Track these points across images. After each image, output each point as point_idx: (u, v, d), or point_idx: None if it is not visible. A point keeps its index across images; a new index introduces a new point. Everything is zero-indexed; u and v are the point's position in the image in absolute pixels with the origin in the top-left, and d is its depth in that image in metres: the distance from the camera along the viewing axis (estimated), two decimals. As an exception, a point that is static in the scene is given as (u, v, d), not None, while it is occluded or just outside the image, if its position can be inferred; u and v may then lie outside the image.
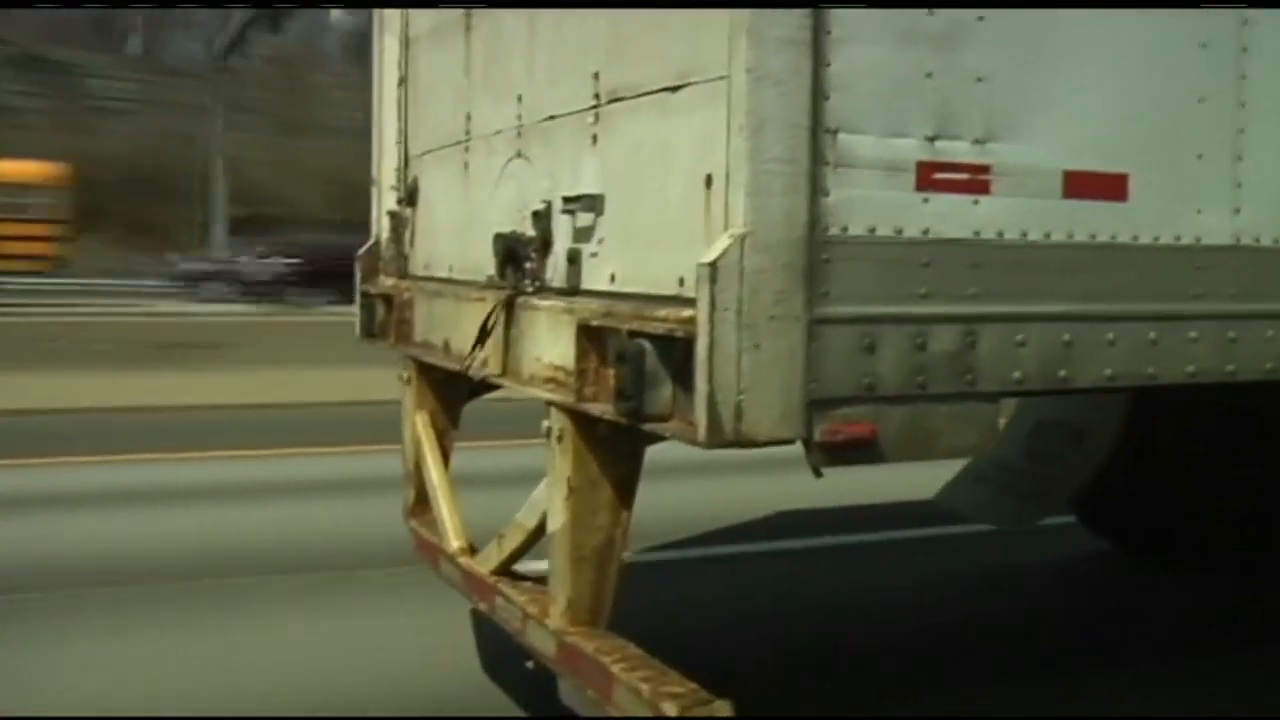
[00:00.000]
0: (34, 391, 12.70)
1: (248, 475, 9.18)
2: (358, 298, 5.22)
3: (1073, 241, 2.95)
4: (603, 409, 3.13)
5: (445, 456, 4.55)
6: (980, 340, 2.87)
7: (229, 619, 5.75)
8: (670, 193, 3.10)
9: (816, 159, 2.69)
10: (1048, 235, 2.92)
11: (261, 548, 6.97)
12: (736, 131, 2.65)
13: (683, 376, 2.82)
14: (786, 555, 7.01)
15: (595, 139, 3.46)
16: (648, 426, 2.89)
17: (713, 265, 2.62)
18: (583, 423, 3.30)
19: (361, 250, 5.24)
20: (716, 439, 2.64)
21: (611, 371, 3.14)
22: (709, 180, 2.90)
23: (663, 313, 2.90)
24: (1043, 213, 2.91)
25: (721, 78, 2.81)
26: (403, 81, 5.17)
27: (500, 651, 4.79)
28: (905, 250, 2.79)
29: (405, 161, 5.17)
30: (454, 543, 4.20)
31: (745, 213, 2.64)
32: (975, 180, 2.84)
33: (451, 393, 4.65)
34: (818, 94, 2.68)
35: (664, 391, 2.86)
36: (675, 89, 3.07)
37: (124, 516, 7.76)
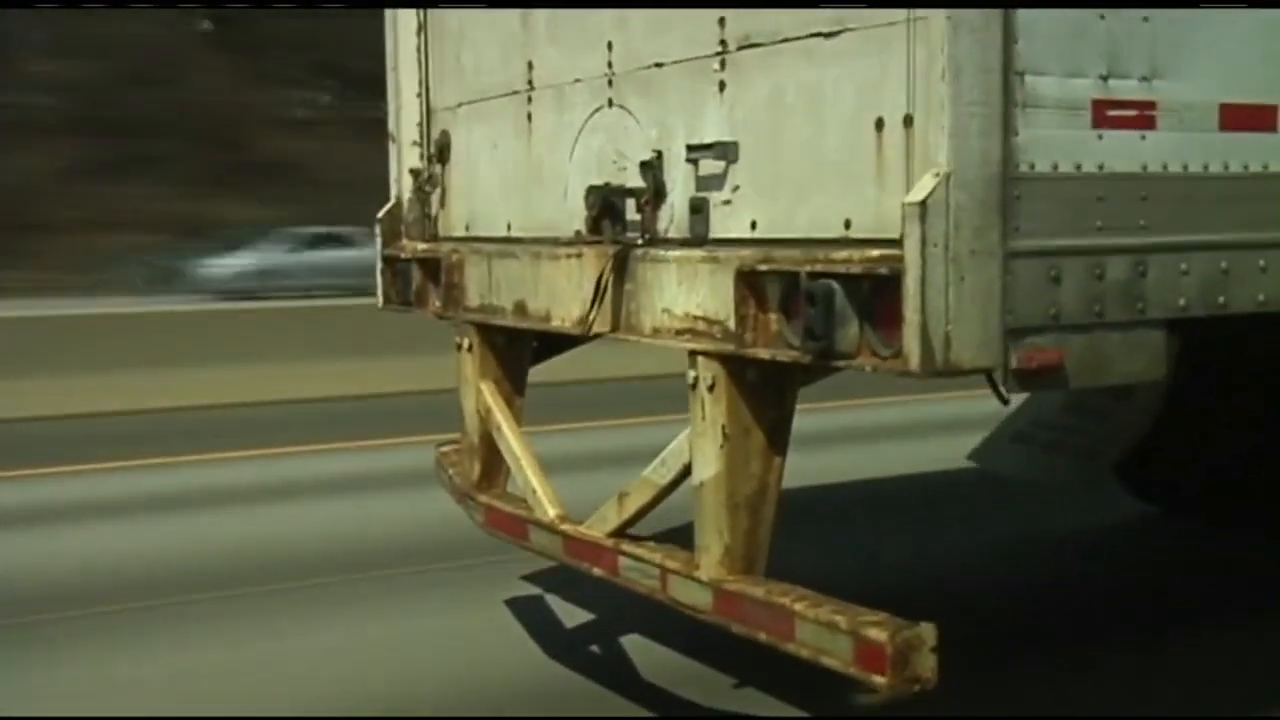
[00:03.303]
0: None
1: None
2: (379, 263, 5.78)
3: (1229, 173, 3.70)
4: (772, 352, 3.79)
5: (518, 424, 5.15)
6: (1149, 270, 3.60)
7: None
8: (825, 138, 3.77)
9: (1008, 100, 3.38)
10: (1206, 167, 3.67)
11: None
12: (935, 76, 3.33)
13: (870, 313, 3.50)
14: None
15: (723, 86, 4.11)
16: (839, 363, 3.57)
17: (922, 204, 3.28)
18: (734, 370, 3.96)
19: (381, 212, 5.80)
20: (929, 368, 3.31)
21: (774, 316, 3.81)
22: (879, 124, 3.58)
23: (844, 254, 3.57)
24: (1202, 146, 3.65)
25: (894, 23, 3.49)
26: (421, 28, 5.74)
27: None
28: (1083, 185, 3.50)
29: (428, 115, 5.75)
30: (550, 510, 4.80)
31: (948, 153, 3.32)
32: (1142, 116, 3.57)
33: (515, 358, 5.26)
34: (1008, 38, 3.37)
35: (852, 329, 3.53)
36: (830, 35, 3.74)
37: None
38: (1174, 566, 7.16)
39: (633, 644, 5.82)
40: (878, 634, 3.50)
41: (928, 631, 3.50)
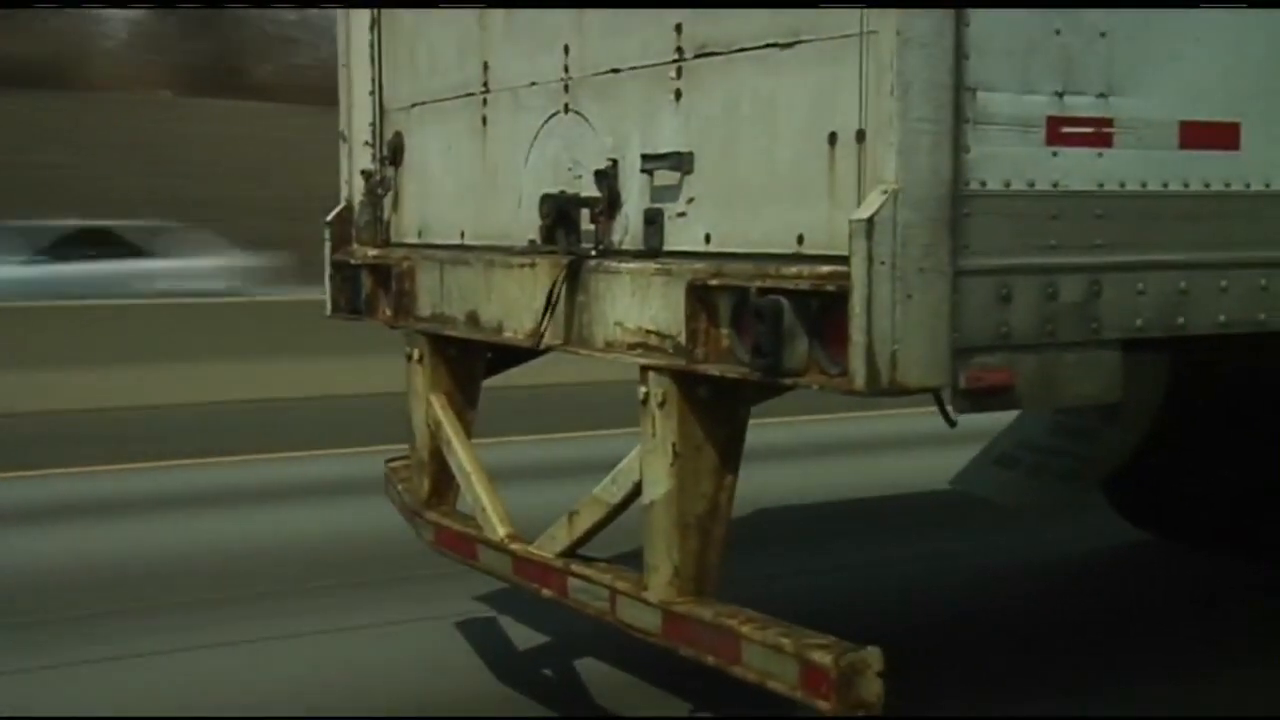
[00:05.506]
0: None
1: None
2: (328, 269, 6.04)
3: (1188, 191, 3.98)
4: (722, 369, 4.05)
5: (469, 439, 5.41)
6: (1104, 289, 3.87)
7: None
8: (779, 150, 4.04)
9: (958, 117, 3.65)
10: (1165, 185, 3.95)
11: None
12: (885, 91, 3.59)
13: (818, 331, 3.76)
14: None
15: (679, 94, 4.37)
16: (787, 381, 3.83)
17: (869, 221, 3.55)
18: (686, 386, 4.22)
19: (330, 215, 6.05)
20: (874, 387, 3.57)
21: (725, 331, 4.07)
22: (833, 138, 3.85)
23: (794, 269, 3.84)
24: (1160, 163, 3.93)
25: (847, 36, 3.76)
26: (375, 24, 6.00)
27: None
28: (1037, 203, 3.78)
29: (381, 114, 6.01)
30: (500, 529, 5.07)
31: (896, 170, 3.58)
32: (1099, 133, 3.84)
33: (468, 370, 5.53)
34: (959, 54, 3.63)
35: (800, 346, 3.79)
36: (785, 45, 4.00)
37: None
38: (1154, 594, 7.44)
39: (587, 668, 6.07)
40: (822, 657, 3.76)
41: (873, 656, 3.75)
